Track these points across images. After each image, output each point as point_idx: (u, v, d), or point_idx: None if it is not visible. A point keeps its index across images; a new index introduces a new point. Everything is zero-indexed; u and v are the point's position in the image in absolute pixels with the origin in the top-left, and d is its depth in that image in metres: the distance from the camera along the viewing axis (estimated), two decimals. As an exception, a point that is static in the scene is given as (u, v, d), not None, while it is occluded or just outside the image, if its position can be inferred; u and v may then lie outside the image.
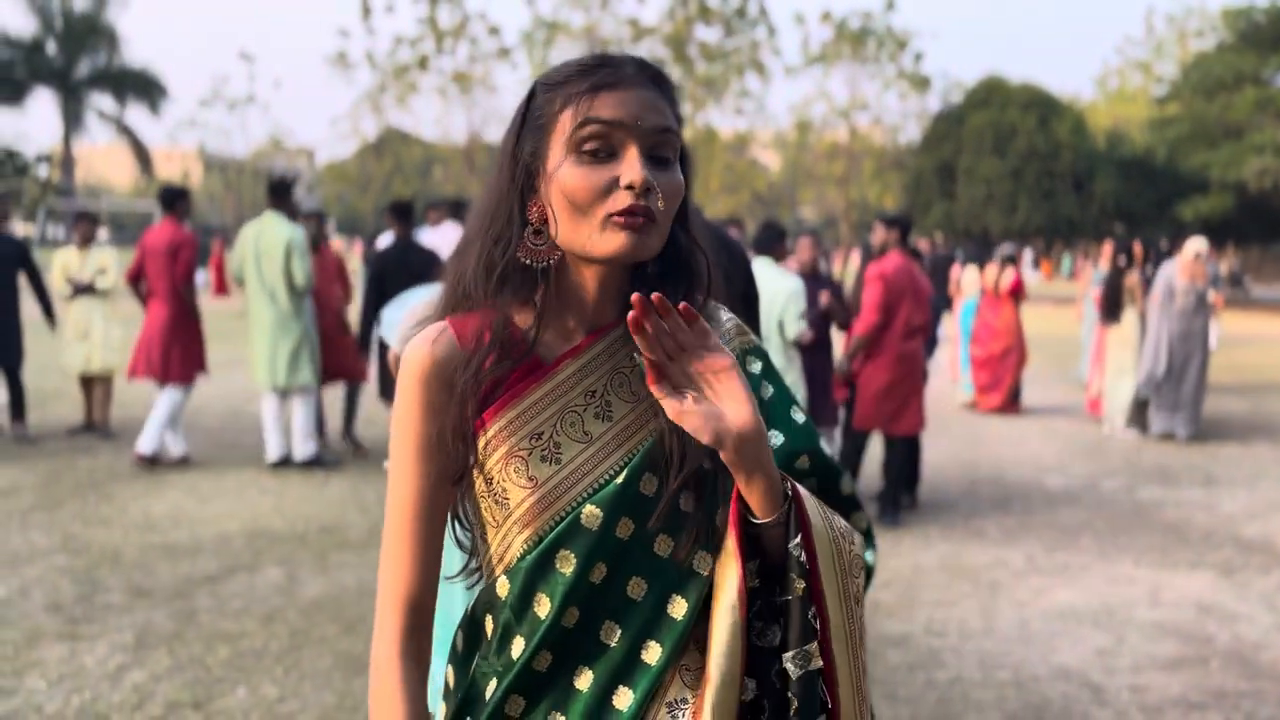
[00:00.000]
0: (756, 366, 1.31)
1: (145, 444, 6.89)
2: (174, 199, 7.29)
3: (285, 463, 6.97)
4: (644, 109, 1.13)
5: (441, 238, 7.52)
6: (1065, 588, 4.94)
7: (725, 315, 1.33)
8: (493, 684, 1.19)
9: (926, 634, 4.31)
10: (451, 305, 1.24)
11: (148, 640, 4.04)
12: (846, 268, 22.81)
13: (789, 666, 1.13)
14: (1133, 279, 8.93)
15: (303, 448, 7.01)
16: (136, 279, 7.28)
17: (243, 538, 5.40)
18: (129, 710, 3.46)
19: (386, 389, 6.78)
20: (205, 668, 3.80)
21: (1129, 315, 8.95)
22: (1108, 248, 11.48)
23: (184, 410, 7.25)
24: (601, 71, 1.15)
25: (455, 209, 8.05)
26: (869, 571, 1.35)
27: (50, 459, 7.14)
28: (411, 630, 1.22)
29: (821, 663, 1.14)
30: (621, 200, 1.11)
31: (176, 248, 7.10)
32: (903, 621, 4.43)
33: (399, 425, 1.20)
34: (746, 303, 2.96)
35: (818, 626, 1.13)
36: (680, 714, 1.14)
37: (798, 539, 1.13)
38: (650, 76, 1.17)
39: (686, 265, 1.22)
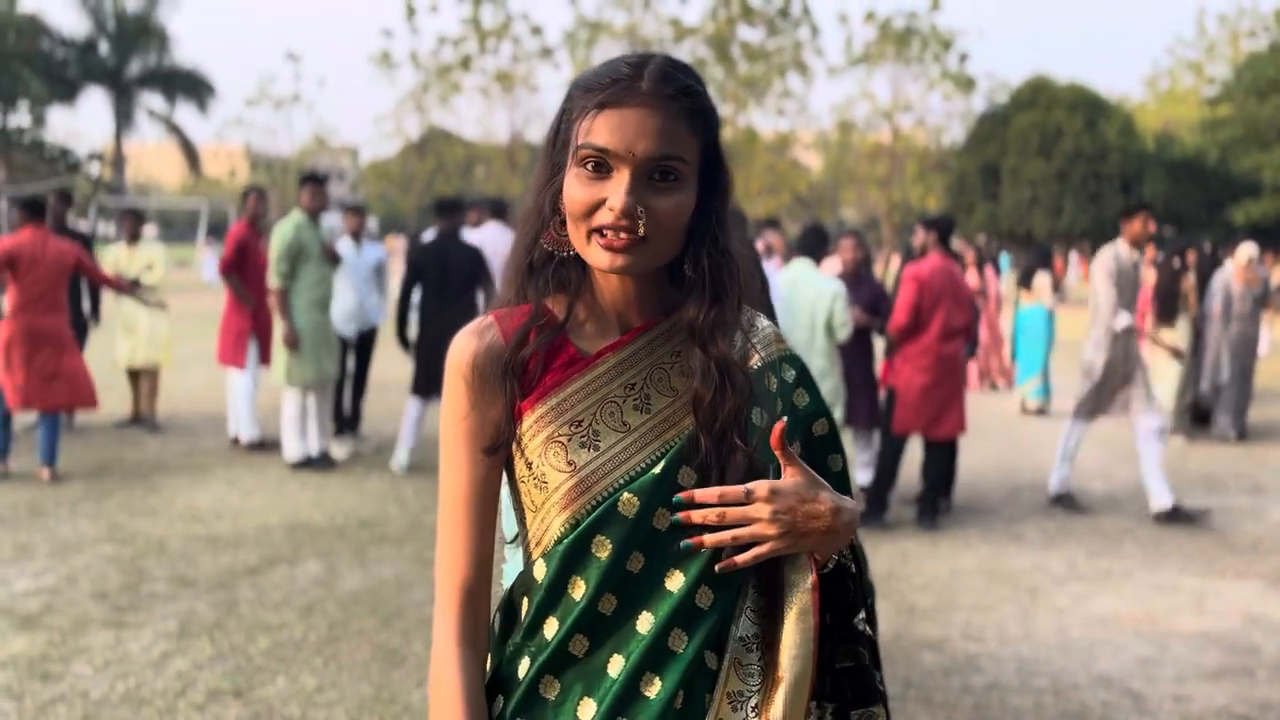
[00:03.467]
0: (790, 374, 1.34)
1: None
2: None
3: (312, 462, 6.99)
4: (640, 135, 1.15)
5: (483, 237, 7.57)
6: (1107, 595, 4.87)
7: (762, 322, 1.35)
8: (525, 663, 1.23)
9: (964, 638, 4.27)
10: (501, 301, 1.29)
11: (191, 629, 4.11)
12: (888, 270, 22.65)
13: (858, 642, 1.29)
14: (1189, 283, 8.84)
15: (287, 446, 6.95)
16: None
17: (283, 530, 5.47)
18: (172, 697, 3.52)
19: (419, 385, 6.81)
20: (246, 657, 3.86)
21: (1181, 320, 8.85)
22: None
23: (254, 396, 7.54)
24: (615, 88, 1.17)
25: (496, 209, 8.07)
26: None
27: (99, 450, 7.28)
28: (467, 616, 1.25)
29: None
30: (603, 219, 1.16)
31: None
32: (939, 625, 4.40)
33: (447, 417, 1.25)
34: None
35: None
36: (741, 706, 1.19)
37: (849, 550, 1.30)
38: (670, 93, 1.17)
39: (714, 277, 1.24)
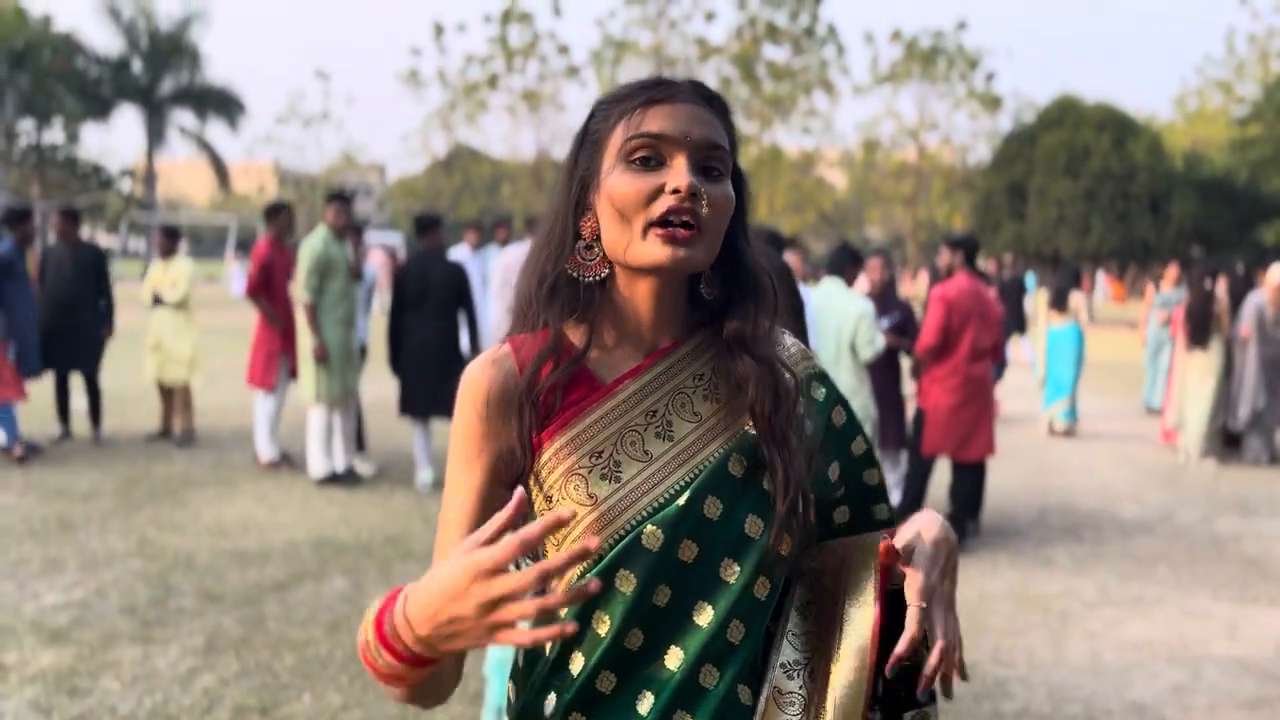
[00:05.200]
0: (821, 392, 1.31)
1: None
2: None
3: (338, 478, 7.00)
4: (694, 123, 1.16)
5: (516, 255, 7.62)
6: (1139, 620, 4.80)
7: (789, 339, 1.33)
8: (551, 699, 1.19)
9: (993, 663, 4.22)
10: (515, 326, 1.26)
11: (218, 645, 4.13)
12: (914, 289, 22.56)
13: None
14: (1223, 304, 8.74)
15: (313, 462, 6.95)
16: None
17: (310, 546, 5.49)
18: (199, 713, 3.53)
19: (403, 405, 6.86)
20: (272, 674, 3.87)
21: (1214, 342, 8.75)
22: (1172, 270, 11.27)
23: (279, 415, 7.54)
24: (656, 88, 1.19)
25: (529, 225, 8.13)
26: None
27: (129, 464, 7.34)
28: None
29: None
30: (663, 205, 1.14)
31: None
32: (968, 649, 4.35)
33: (457, 445, 1.21)
34: (794, 314, 2.96)
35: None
36: None
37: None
38: (704, 96, 1.21)
39: (751, 287, 1.23)
